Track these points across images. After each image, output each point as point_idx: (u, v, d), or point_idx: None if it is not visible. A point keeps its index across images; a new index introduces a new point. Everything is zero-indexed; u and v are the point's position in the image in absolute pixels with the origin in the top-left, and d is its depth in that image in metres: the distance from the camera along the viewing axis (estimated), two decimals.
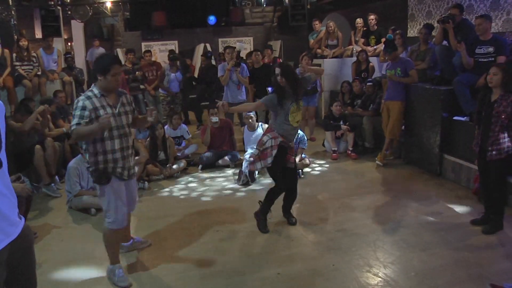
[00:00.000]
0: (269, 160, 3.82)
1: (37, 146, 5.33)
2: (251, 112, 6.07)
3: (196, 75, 10.23)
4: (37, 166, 5.26)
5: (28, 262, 1.92)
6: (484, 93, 3.83)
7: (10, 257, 1.78)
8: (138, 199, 4.96)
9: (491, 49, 4.96)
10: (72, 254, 3.76)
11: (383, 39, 7.97)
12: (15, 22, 8.26)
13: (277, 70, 3.80)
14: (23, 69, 7.31)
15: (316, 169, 6.07)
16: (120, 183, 3.21)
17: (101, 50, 10.31)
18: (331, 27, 8.66)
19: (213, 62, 10.15)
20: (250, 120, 6.15)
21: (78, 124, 2.97)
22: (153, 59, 9.31)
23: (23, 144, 5.33)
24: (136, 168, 5.46)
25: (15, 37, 7.93)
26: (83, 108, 3.01)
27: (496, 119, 3.66)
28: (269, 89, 7.19)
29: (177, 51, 12.35)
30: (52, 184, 5.35)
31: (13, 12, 8.18)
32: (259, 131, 6.13)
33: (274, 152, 3.80)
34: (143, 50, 11.78)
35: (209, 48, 11.85)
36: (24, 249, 1.87)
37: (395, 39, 6.52)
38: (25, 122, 5.22)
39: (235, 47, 7.39)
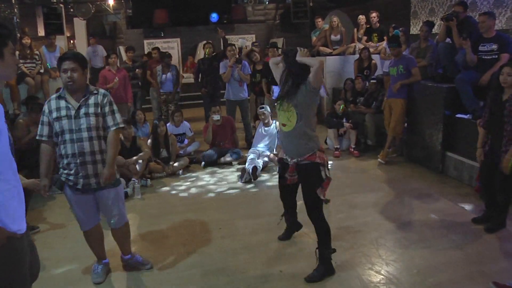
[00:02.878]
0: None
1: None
2: (263, 108, 6.19)
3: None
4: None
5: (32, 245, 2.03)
6: (495, 92, 3.77)
7: None
8: (136, 197, 4.98)
9: (494, 47, 4.94)
10: (75, 251, 3.77)
11: (385, 37, 7.96)
12: (17, 20, 8.28)
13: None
14: (26, 67, 7.35)
15: None
16: (75, 193, 3.03)
17: (98, 47, 10.28)
18: (334, 22, 8.63)
19: None
20: (263, 117, 6.18)
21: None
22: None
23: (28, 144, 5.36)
24: (139, 167, 5.52)
25: (18, 35, 7.95)
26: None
27: (508, 118, 3.58)
28: (274, 87, 7.19)
29: (179, 49, 12.36)
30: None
31: (15, 10, 8.20)
32: (273, 128, 6.15)
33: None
34: (145, 47, 11.82)
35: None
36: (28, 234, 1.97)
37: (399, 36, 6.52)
38: (23, 138, 5.28)
39: (236, 44, 7.38)
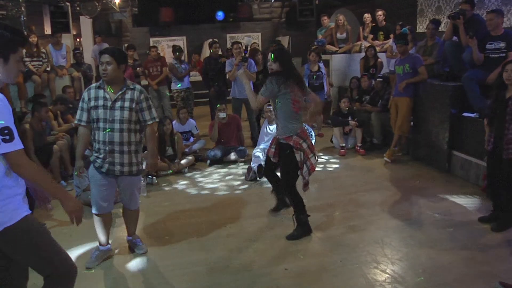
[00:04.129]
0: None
1: (55, 147, 5.52)
2: (271, 106, 6.16)
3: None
4: (53, 165, 5.43)
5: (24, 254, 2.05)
6: (498, 90, 3.75)
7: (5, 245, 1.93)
8: (142, 194, 5.01)
9: (502, 45, 4.89)
10: (82, 248, 3.80)
11: (391, 35, 7.92)
12: (24, 18, 8.33)
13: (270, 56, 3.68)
14: (32, 65, 7.40)
15: (324, 165, 6.05)
16: (99, 175, 3.26)
17: (104, 46, 10.29)
18: (340, 20, 8.61)
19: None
20: (269, 114, 6.11)
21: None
22: (161, 54, 9.32)
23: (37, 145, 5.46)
24: (144, 164, 5.51)
25: (25, 33, 8.00)
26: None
27: (510, 116, 3.57)
28: None
29: (185, 47, 12.36)
30: (62, 182, 5.49)
31: (22, 9, 8.25)
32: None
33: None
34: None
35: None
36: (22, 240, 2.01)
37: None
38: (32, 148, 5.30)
39: (242, 42, 7.36)
